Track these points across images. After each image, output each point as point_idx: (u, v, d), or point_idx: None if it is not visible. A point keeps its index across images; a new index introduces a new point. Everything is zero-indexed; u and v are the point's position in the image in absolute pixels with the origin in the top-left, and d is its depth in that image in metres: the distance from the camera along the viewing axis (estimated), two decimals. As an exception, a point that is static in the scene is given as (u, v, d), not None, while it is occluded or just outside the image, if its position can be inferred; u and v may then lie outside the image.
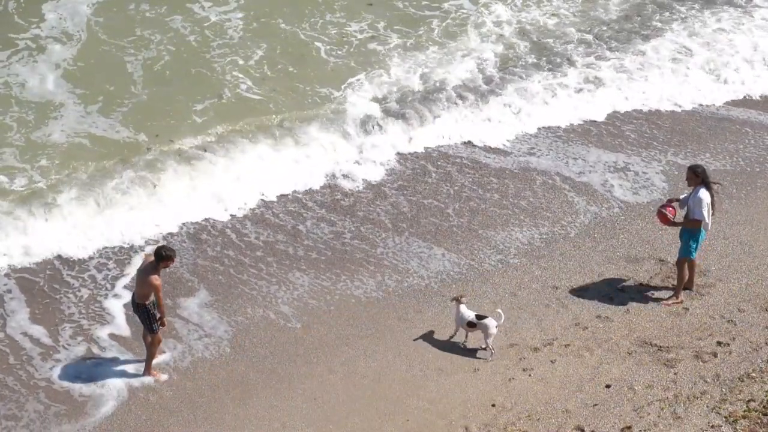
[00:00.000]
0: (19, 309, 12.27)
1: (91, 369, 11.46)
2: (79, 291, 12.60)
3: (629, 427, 10.80)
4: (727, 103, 17.45)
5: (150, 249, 12.99)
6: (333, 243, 13.72)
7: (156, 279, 10.88)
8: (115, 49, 17.36)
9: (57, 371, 11.42)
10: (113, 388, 11.24)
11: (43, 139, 15.13)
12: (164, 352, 11.68)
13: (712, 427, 10.73)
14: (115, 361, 11.62)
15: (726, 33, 19.14)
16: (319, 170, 15.09)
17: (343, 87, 16.90)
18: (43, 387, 11.23)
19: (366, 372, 11.58)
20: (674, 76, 17.85)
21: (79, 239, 13.35)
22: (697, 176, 12.37)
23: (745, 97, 17.63)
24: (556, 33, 18.91)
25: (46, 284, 12.67)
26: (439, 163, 15.54)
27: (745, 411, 10.91)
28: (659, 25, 19.31)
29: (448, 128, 16.17)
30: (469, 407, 11.10)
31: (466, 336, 11.97)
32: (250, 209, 14.25)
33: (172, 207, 14.07)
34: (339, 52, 17.81)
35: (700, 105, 17.34)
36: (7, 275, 12.71)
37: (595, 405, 11.11)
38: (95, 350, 11.76)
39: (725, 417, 10.85)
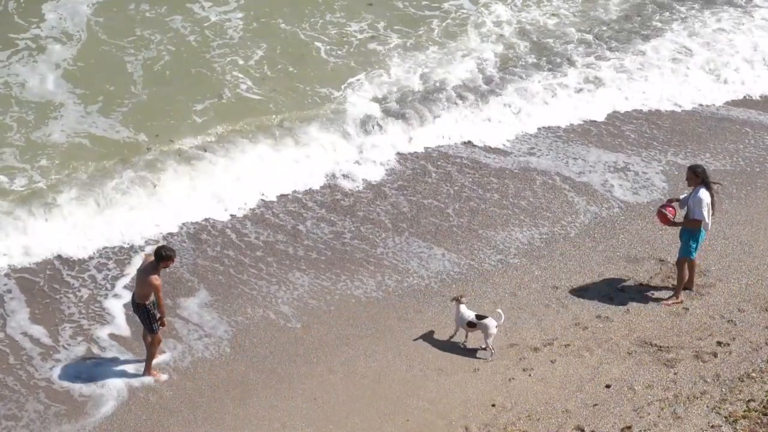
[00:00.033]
0: (19, 309, 12.27)
1: (91, 369, 11.46)
2: (79, 291, 12.60)
3: (629, 427, 10.80)
4: (727, 103, 17.45)
5: (150, 249, 12.99)
6: (333, 243, 13.72)
7: (156, 279, 10.88)
8: (115, 49, 17.36)
9: (57, 371, 11.42)
10: (113, 388, 11.24)
11: (43, 139, 15.13)
12: (164, 352, 11.68)
13: (712, 427, 10.73)
14: (115, 361, 11.62)
15: (726, 33, 19.14)
16: (319, 170, 15.09)
17: (343, 87, 16.90)
18: (43, 387, 11.23)
19: (366, 372, 11.57)
20: (674, 76, 17.85)
21: (79, 239, 13.35)
22: (697, 176, 12.37)
23: (745, 97, 17.63)
24: (556, 33, 18.91)
25: (46, 284, 12.67)
26: (439, 163, 15.54)
27: (745, 411, 10.91)
28: (659, 25, 19.31)
29: (448, 128, 16.18)
30: (469, 407, 11.10)
31: (466, 336, 11.97)
32: (250, 209, 14.25)
33: (172, 207, 14.07)
34: (339, 52, 17.81)
35: (700, 105, 17.34)
36: (7, 275, 12.71)
37: (595, 405, 11.11)
38: (95, 350, 11.76)
39: (725, 417, 10.85)
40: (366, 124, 16.02)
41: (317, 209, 14.39)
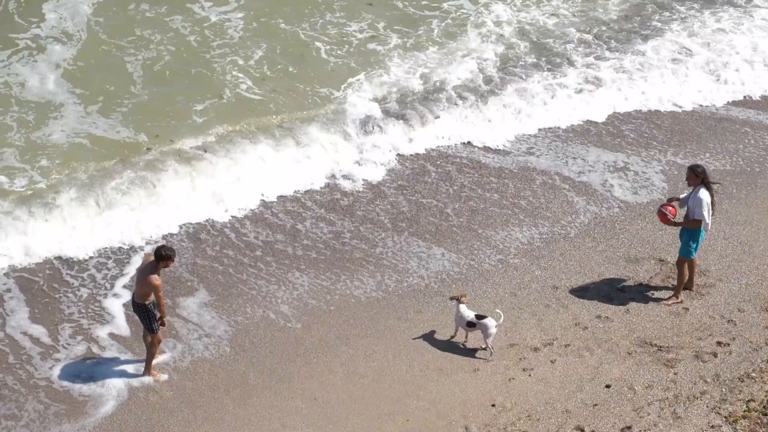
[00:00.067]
0: (19, 308, 12.26)
1: (91, 368, 11.46)
2: (79, 290, 12.60)
3: (629, 427, 10.80)
4: (727, 103, 17.46)
5: (150, 249, 12.99)
6: (332, 243, 13.72)
7: (156, 279, 10.88)
8: (115, 49, 17.37)
9: (57, 371, 11.41)
10: (113, 387, 11.24)
11: (43, 139, 15.13)
12: (164, 352, 11.68)
13: (712, 427, 10.73)
14: (115, 360, 11.62)
15: (726, 33, 19.14)
16: (319, 170, 15.08)
17: (343, 87, 16.90)
18: (43, 386, 11.23)
19: (366, 372, 11.57)
20: (674, 76, 17.84)
21: (79, 239, 13.34)
22: (697, 176, 12.37)
23: (745, 97, 17.63)
24: (556, 33, 18.91)
25: (46, 284, 12.67)
26: (438, 162, 15.54)
27: (745, 411, 10.92)
28: (659, 25, 19.31)
29: (448, 129, 16.17)
30: (469, 407, 11.10)
31: (466, 336, 11.97)
32: (251, 209, 14.25)
33: (172, 207, 14.06)
34: (339, 52, 17.81)
35: (701, 106, 17.34)
36: (6, 274, 12.71)
37: (595, 405, 11.11)
38: (95, 350, 11.76)
39: (725, 417, 10.85)
40: (366, 124, 16.02)
41: (316, 209, 14.39)
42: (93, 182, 14.29)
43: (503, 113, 16.65)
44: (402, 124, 16.09)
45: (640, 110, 17.12)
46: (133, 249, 13.35)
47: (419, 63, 17.65)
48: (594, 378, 11.49)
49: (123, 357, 11.66)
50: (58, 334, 11.92)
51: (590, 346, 11.97)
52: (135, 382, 11.31)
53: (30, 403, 11.02)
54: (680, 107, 17.23)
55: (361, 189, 14.85)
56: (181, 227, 13.80)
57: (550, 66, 17.86)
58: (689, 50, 18.54)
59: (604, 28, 19.18)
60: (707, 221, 12.37)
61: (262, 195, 14.49)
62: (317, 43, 17.95)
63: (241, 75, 16.97)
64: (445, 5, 19.42)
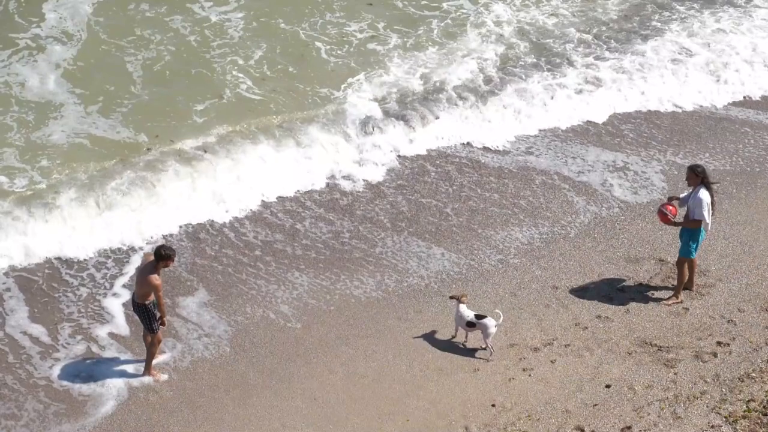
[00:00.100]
0: (19, 308, 12.26)
1: (91, 368, 11.46)
2: (78, 290, 12.60)
3: (629, 427, 10.80)
4: (727, 103, 17.45)
5: (149, 248, 12.99)
6: (332, 242, 13.72)
7: (156, 278, 10.88)
8: (115, 49, 17.37)
9: (56, 370, 11.41)
10: (113, 387, 11.23)
11: (43, 139, 15.12)
12: (164, 352, 11.67)
13: (712, 427, 10.73)
14: (115, 360, 11.61)
15: (726, 33, 19.14)
16: (319, 171, 15.07)
17: (343, 87, 16.90)
18: (43, 386, 11.22)
19: (366, 372, 11.57)
20: (674, 77, 17.84)
21: (79, 239, 13.34)
22: (697, 176, 12.37)
23: (744, 97, 17.62)
24: (556, 33, 18.91)
25: (45, 283, 12.67)
26: (438, 162, 15.54)
27: (745, 411, 10.91)
28: (658, 25, 19.31)
29: (448, 130, 16.16)
30: (469, 407, 11.09)
31: (466, 336, 11.96)
32: (251, 210, 14.24)
33: (172, 207, 14.06)
34: (339, 52, 17.81)
35: (701, 106, 17.34)
36: (6, 274, 12.70)
37: (595, 405, 11.11)
38: (95, 349, 11.75)
39: (725, 417, 10.85)
40: (366, 125, 16.01)
41: (316, 208, 14.39)
42: (93, 182, 14.28)
43: (503, 114, 16.64)
44: (402, 125, 16.09)
45: (640, 110, 17.11)
46: (132, 249, 13.34)
47: (419, 63, 17.65)
48: (594, 378, 11.49)
49: (123, 357, 11.66)
50: (57, 334, 11.91)
51: (590, 346, 11.96)
52: (135, 381, 11.31)
53: (30, 403, 11.02)
54: (680, 108, 17.23)
55: (360, 189, 14.85)
56: (180, 227, 13.79)
57: (549, 66, 17.86)
58: (689, 50, 18.54)
59: (603, 28, 19.18)
60: (707, 221, 12.37)
61: (263, 195, 14.48)
62: (317, 43, 17.95)
63: (241, 75, 16.97)
64: (445, 5, 19.42)
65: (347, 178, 15.03)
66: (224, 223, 13.96)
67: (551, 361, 11.71)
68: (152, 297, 11.04)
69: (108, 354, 11.70)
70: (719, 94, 17.58)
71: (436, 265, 13.34)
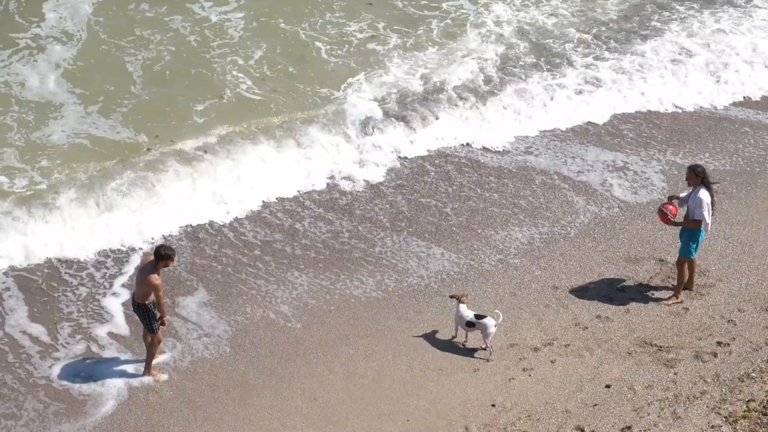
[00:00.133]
0: (18, 307, 12.26)
1: (91, 368, 11.45)
2: (78, 289, 12.60)
3: (629, 427, 10.79)
4: (727, 104, 17.43)
5: (149, 248, 12.99)
6: (331, 242, 13.71)
7: (155, 278, 10.87)
8: (115, 49, 17.37)
9: (56, 370, 11.40)
10: (113, 387, 11.23)
11: (43, 139, 15.12)
12: (164, 352, 11.67)
13: (712, 427, 10.73)
14: (115, 360, 11.61)
15: (725, 34, 19.13)
16: (319, 171, 15.06)
17: (343, 87, 16.89)
18: (43, 385, 11.22)
19: (366, 372, 11.57)
20: (673, 77, 17.83)
21: (79, 239, 13.33)
22: (697, 176, 12.36)
23: (744, 98, 17.62)
24: (555, 33, 18.91)
25: (45, 282, 12.66)
26: (437, 162, 15.54)
27: (745, 411, 10.91)
28: (658, 25, 19.31)
29: (448, 130, 16.14)
30: (469, 407, 11.09)
31: (466, 336, 11.96)
32: (252, 210, 14.23)
33: (173, 208, 14.05)
34: (339, 52, 17.81)
35: (700, 107, 17.33)
36: (5, 273, 12.70)
37: (595, 405, 11.11)
38: (94, 349, 11.75)
39: (725, 417, 10.84)
40: (366, 125, 16.01)
41: (315, 208, 14.39)
42: (93, 183, 14.28)
43: (503, 114, 16.63)
44: (402, 126, 16.08)
45: (640, 111, 17.11)
46: (132, 249, 13.34)
47: (419, 63, 17.65)
48: (594, 378, 11.49)
49: (122, 356, 11.66)
50: (57, 333, 11.91)
51: (590, 346, 11.96)
52: (135, 381, 11.31)
53: (29, 402, 11.01)
54: (680, 108, 17.23)
55: (360, 189, 14.84)
56: (180, 227, 13.78)
57: (549, 66, 17.86)
58: (689, 51, 18.54)
59: (603, 28, 19.18)
60: (707, 221, 12.37)
61: (263, 196, 14.47)
62: (317, 43, 17.95)
63: (241, 75, 16.96)
64: (445, 5, 19.42)
65: (347, 178, 15.02)
66: (223, 222, 13.96)
67: (551, 361, 11.71)
68: (152, 297, 11.04)
69: (108, 354, 11.70)
70: (719, 94, 17.57)
71: (436, 265, 13.34)
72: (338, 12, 18.89)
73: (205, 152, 15.12)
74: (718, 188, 13.60)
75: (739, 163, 15.74)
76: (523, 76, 17.51)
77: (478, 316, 11.73)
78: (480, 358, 11.77)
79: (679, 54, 18.44)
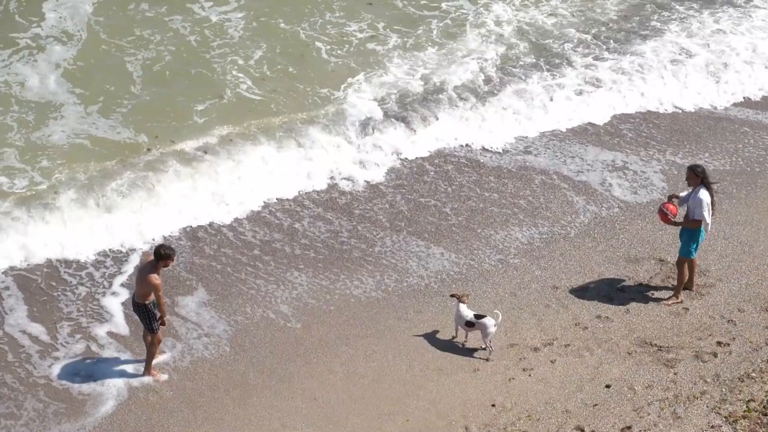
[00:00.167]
0: (18, 306, 12.26)
1: (90, 367, 11.45)
2: (77, 289, 12.60)
3: (629, 427, 10.79)
4: (727, 104, 17.43)
5: (149, 248, 12.98)
6: (330, 242, 13.71)
7: (155, 278, 10.87)
8: (115, 49, 17.37)
9: (56, 369, 11.40)
10: (113, 387, 11.23)
11: (43, 139, 15.12)
12: (164, 352, 11.67)
13: (712, 427, 10.73)
14: (115, 360, 11.60)
15: (725, 34, 19.13)
16: (320, 171, 15.06)
17: (343, 87, 16.89)
18: (42, 385, 11.21)
19: (366, 372, 11.57)
20: (673, 77, 17.82)
21: (79, 239, 13.33)
22: (697, 176, 12.36)
23: (744, 98, 17.61)
24: (555, 33, 18.91)
25: (44, 282, 12.66)
26: (436, 162, 15.53)
27: (745, 411, 10.91)
28: (658, 25, 19.31)
29: (448, 131, 16.13)
30: (469, 407, 11.09)
31: (466, 336, 11.96)
32: (252, 210, 14.22)
33: (173, 209, 14.04)
34: (339, 52, 17.81)
35: (700, 108, 17.32)
36: (4, 273, 12.69)
37: (595, 405, 11.11)
38: (94, 348, 11.75)
39: (725, 417, 10.84)
40: (366, 126, 16.00)
41: (314, 208, 14.38)
42: (93, 183, 14.27)
43: (503, 115, 16.61)
44: (403, 127, 16.07)
45: (640, 111, 17.10)
46: (131, 249, 13.33)
47: (419, 63, 17.65)
48: (594, 378, 11.48)
49: (122, 356, 11.65)
50: (56, 333, 11.91)
51: (590, 346, 11.96)
52: (135, 381, 11.30)
53: (29, 402, 11.01)
54: (680, 109, 17.22)
55: (360, 189, 14.84)
56: (180, 227, 13.78)
57: (549, 67, 17.86)
58: (688, 51, 18.53)
59: (603, 28, 19.18)
60: (707, 221, 12.37)
61: (263, 196, 14.45)
62: (317, 43, 17.95)
63: (241, 75, 16.96)
64: (444, 5, 19.42)
65: (348, 179, 15.02)
66: (223, 222, 13.95)
67: (551, 361, 11.70)
68: (152, 297, 11.04)
69: (107, 353, 11.69)
70: (719, 95, 17.56)
71: (436, 264, 13.33)
72: (338, 12, 18.90)
73: (206, 153, 15.12)
74: (718, 188, 13.60)
75: (739, 163, 15.74)
76: (523, 77, 17.51)
77: (478, 316, 11.73)
78: (480, 358, 11.77)
79: (679, 54, 18.43)
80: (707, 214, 12.28)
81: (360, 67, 17.42)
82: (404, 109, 16.45)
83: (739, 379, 11.38)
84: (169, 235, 13.59)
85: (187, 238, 13.60)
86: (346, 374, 11.52)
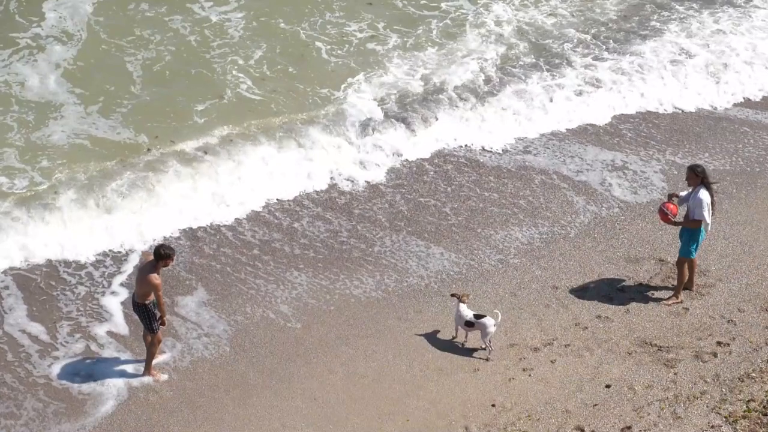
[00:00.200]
0: (17, 306, 12.25)
1: (90, 367, 11.45)
2: (77, 288, 12.59)
3: (629, 427, 10.79)
4: (728, 105, 17.43)
5: (148, 247, 12.98)
6: (330, 242, 13.71)
7: (155, 278, 10.87)
8: (115, 49, 17.37)
9: (56, 369, 11.40)
10: (113, 387, 11.22)
11: (43, 139, 15.12)
12: (164, 352, 11.66)
13: (712, 427, 10.73)
14: (114, 359, 11.60)
15: (725, 34, 19.13)
16: (320, 172, 15.06)
17: (343, 87, 16.89)
18: (42, 384, 11.21)
19: (366, 372, 11.57)
20: (673, 77, 17.82)
21: (78, 239, 13.32)
22: (697, 176, 12.36)
23: (744, 98, 17.61)
24: (554, 33, 18.91)
25: (44, 281, 12.66)
26: (436, 161, 15.53)
27: (745, 411, 10.91)
28: (657, 25, 19.31)
29: (448, 132, 16.12)
30: (469, 407, 11.09)
31: (466, 336, 11.96)
32: (252, 210, 14.22)
33: (173, 209, 14.04)
34: (339, 52, 17.81)
35: (700, 108, 17.31)
36: (4, 272, 12.69)
37: (595, 405, 11.11)
38: (94, 348, 11.74)
39: (725, 417, 10.84)
40: (367, 126, 16.00)
41: (313, 208, 14.38)
42: (93, 183, 14.27)
43: (502, 115, 16.61)
44: (403, 127, 16.07)
45: (639, 112, 17.10)
46: (131, 248, 13.33)
47: (419, 63, 17.65)
48: (594, 378, 11.48)
49: (122, 356, 11.65)
50: (56, 332, 11.91)
51: (590, 346, 11.96)
52: (135, 381, 11.30)
53: (29, 402, 11.01)
54: (680, 109, 17.22)
55: (359, 189, 14.84)
56: (180, 228, 13.78)
57: (548, 67, 17.86)
58: (688, 51, 18.53)
59: (602, 28, 19.18)
60: (707, 221, 12.37)
61: (263, 196, 14.45)
62: (317, 43, 17.96)
63: (241, 75, 16.96)
64: (444, 5, 19.42)
65: (348, 179, 15.01)
66: (223, 222, 13.95)
67: (551, 361, 11.70)
68: (152, 297, 11.03)
69: (107, 353, 11.69)
70: (719, 95, 17.56)
71: (436, 264, 13.33)
72: (338, 12, 18.90)
73: (206, 153, 15.12)
74: (718, 188, 13.60)
75: (739, 163, 15.74)
76: (523, 77, 17.51)
77: (478, 316, 11.73)
78: (480, 358, 11.77)
79: (679, 55, 18.43)
80: (707, 214, 12.28)
81: (360, 67, 17.42)
82: (404, 110, 16.45)
83: (739, 379, 11.38)
84: (169, 236, 13.58)
85: (186, 238, 13.60)
86: (346, 374, 11.52)
